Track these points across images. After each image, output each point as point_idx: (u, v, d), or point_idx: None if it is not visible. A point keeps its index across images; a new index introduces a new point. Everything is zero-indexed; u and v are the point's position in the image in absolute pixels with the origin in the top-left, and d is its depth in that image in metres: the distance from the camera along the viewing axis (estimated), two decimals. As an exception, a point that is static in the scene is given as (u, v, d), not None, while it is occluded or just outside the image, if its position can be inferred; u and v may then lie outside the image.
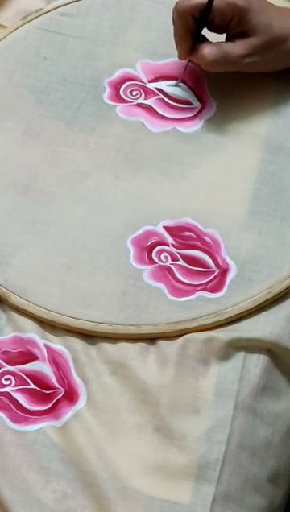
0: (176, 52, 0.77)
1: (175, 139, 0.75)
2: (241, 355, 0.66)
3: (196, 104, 0.77)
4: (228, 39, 0.74)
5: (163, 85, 0.78)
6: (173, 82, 0.78)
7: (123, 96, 0.78)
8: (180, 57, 0.76)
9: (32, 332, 0.67)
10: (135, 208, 0.72)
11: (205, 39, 0.74)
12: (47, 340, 0.67)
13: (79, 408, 0.64)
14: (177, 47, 0.75)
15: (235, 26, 0.72)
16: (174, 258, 0.69)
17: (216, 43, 0.73)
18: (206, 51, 0.72)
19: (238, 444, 0.63)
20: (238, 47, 0.72)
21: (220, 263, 0.69)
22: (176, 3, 0.72)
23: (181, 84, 0.78)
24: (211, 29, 0.74)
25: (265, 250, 0.69)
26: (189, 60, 0.76)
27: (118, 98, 0.78)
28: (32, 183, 0.74)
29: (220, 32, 0.74)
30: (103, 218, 0.72)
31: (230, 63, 0.73)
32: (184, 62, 0.77)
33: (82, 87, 0.78)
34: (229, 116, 0.76)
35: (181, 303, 0.67)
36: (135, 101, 0.77)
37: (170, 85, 0.78)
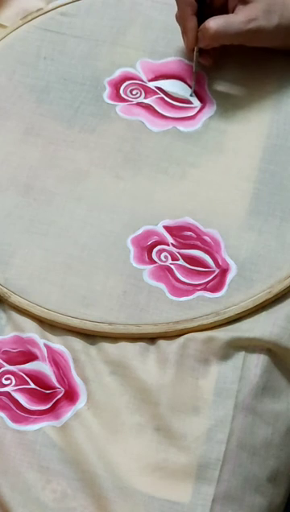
0: (176, 52, 0.78)
1: (175, 138, 0.75)
2: (241, 355, 0.66)
3: (197, 103, 0.77)
4: None
5: (165, 84, 0.78)
6: (176, 82, 0.78)
7: (123, 95, 0.78)
8: (187, 45, 0.76)
9: (32, 332, 0.67)
10: (135, 208, 0.72)
11: None
12: (47, 339, 0.67)
13: (79, 408, 0.64)
14: (184, 35, 0.75)
15: None
16: (174, 258, 0.69)
17: (217, 16, 0.73)
18: (209, 22, 0.72)
19: (238, 444, 0.63)
20: (240, 14, 0.73)
21: (220, 263, 0.69)
22: None
23: (182, 83, 0.78)
24: (213, 12, 0.74)
25: (265, 250, 0.69)
26: (198, 53, 0.75)
27: (118, 97, 0.78)
28: (32, 183, 0.74)
29: (222, 13, 0.74)
30: (103, 218, 0.72)
31: (234, 31, 0.72)
32: (194, 56, 0.76)
33: (82, 86, 0.78)
34: (230, 115, 0.76)
35: (181, 302, 0.67)
36: (135, 101, 0.77)
37: (169, 85, 0.78)
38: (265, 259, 0.69)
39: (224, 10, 0.75)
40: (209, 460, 0.62)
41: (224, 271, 0.69)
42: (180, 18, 0.75)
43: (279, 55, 0.77)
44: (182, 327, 0.66)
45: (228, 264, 0.69)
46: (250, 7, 0.72)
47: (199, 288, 0.68)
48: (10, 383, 0.65)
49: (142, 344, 0.66)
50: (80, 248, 0.70)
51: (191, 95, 0.77)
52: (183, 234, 0.70)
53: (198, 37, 0.74)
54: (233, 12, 0.74)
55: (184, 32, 0.75)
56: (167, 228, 0.71)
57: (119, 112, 0.77)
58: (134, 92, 0.78)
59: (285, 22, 0.73)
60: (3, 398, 0.65)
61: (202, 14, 0.74)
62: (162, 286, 0.68)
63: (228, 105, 0.77)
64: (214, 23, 0.72)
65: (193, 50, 0.76)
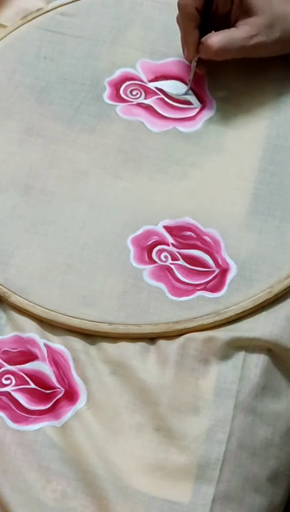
0: (176, 52, 0.78)
1: (175, 139, 0.75)
2: (241, 355, 0.66)
3: (197, 103, 0.77)
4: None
5: (165, 85, 0.78)
6: (176, 82, 0.78)
7: (123, 95, 0.78)
8: (188, 57, 0.76)
9: (32, 332, 0.67)
10: (135, 208, 0.72)
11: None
12: (47, 339, 0.67)
13: (79, 408, 0.64)
14: (184, 46, 0.75)
15: (237, 7, 0.73)
16: (174, 258, 0.69)
17: (219, 31, 0.73)
18: (211, 39, 0.72)
19: (237, 444, 0.63)
20: (242, 30, 0.72)
21: (220, 263, 0.69)
22: (178, 0, 0.73)
23: (182, 83, 0.78)
24: (215, 23, 0.74)
25: (265, 250, 0.69)
26: (196, 62, 0.76)
27: (118, 98, 0.78)
28: (32, 183, 0.74)
29: (224, 27, 0.74)
30: (103, 218, 0.72)
31: (237, 47, 0.72)
32: (192, 65, 0.76)
33: (82, 86, 0.78)
34: (230, 115, 0.76)
35: (181, 302, 0.67)
36: (135, 101, 0.77)
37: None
38: (265, 259, 0.69)
39: (227, 19, 0.74)
40: (209, 460, 0.62)
41: (224, 271, 0.69)
42: (182, 31, 0.75)
43: (279, 56, 0.77)
44: (182, 327, 0.66)
45: (228, 264, 0.69)
46: (253, 22, 0.72)
47: (199, 288, 0.68)
48: (10, 383, 0.65)
49: (142, 344, 0.66)
50: (80, 248, 0.70)
51: (186, 93, 0.77)
52: (183, 234, 0.70)
53: (199, 49, 0.74)
54: (235, 22, 0.74)
55: (185, 44, 0.75)
56: (167, 228, 0.71)
57: (119, 112, 0.77)
58: (134, 92, 0.78)
59: (285, 35, 0.74)
60: (3, 397, 0.65)
61: (205, 24, 0.74)
62: (162, 286, 0.68)
63: (228, 106, 0.77)
64: (217, 41, 0.72)
65: (192, 60, 0.76)
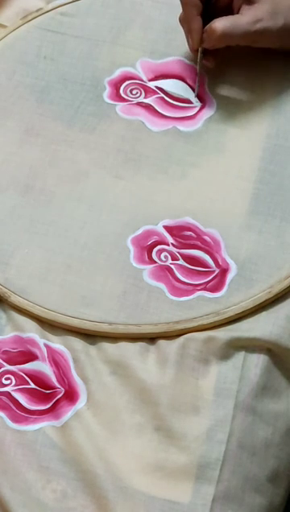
0: (176, 51, 0.78)
1: (175, 138, 0.75)
2: (241, 355, 0.66)
3: (197, 103, 0.77)
4: None
5: (165, 84, 0.78)
6: (176, 81, 0.78)
7: (123, 95, 0.78)
8: (193, 46, 0.76)
9: (32, 332, 0.67)
10: (135, 208, 0.72)
11: None
12: (47, 339, 0.67)
13: (79, 408, 0.64)
14: (188, 35, 0.75)
15: None
16: (174, 258, 0.69)
17: (223, 17, 0.73)
18: (215, 24, 0.72)
19: (237, 444, 0.63)
20: (246, 15, 0.72)
21: (220, 263, 0.69)
22: None
23: (182, 82, 0.78)
24: (218, 13, 0.74)
25: (265, 250, 0.69)
26: (202, 54, 0.75)
27: (118, 97, 0.78)
28: (32, 183, 0.74)
29: (226, 14, 0.74)
30: (103, 218, 0.72)
31: (240, 32, 0.72)
32: (198, 57, 0.75)
33: (82, 86, 0.78)
34: (230, 115, 0.76)
35: (181, 302, 0.67)
36: (135, 100, 0.77)
37: (169, 84, 0.77)
38: (265, 259, 0.69)
39: (229, 10, 0.74)
40: (209, 460, 0.62)
41: (224, 271, 0.69)
42: (185, 19, 0.74)
43: (280, 55, 0.77)
44: (182, 327, 0.66)
45: (228, 264, 0.69)
46: (256, 8, 0.72)
47: (199, 288, 0.68)
48: (10, 383, 0.65)
49: (142, 344, 0.66)
50: (80, 248, 0.70)
51: (195, 96, 0.77)
52: (183, 234, 0.70)
53: (203, 38, 0.74)
54: (238, 12, 0.74)
55: (189, 33, 0.75)
56: (167, 228, 0.71)
57: (119, 112, 0.77)
58: (134, 91, 0.78)
59: (289, 24, 0.73)
60: (3, 397, 0.65)
61: (207, 14, 0.74)
62: (162, 286, 0.68)
63: (228, 105, 0.77)
64: (220, 24, 0.72)
65: (197, 50, 0.76)
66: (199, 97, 0.77)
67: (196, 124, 0.76)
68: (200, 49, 0.75)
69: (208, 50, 0.76)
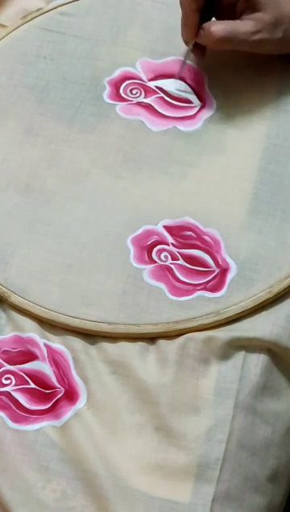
0: (175, 51, 0.77)
1: (175, 138, 0.75)
2: (241, 354, 0.66)
3: (197, 102, 0.77)
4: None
5: (164, 83, 0.78)
6: (176, 81, 0.78)
7: (123, 95, 0.78)
8: (186, 39, 0.75)
9: (32, 332, 0.67)
10: (135, 208, 0.72)
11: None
12: (47, 339, 0.67)
13: (79, 408, 0.64)
14: (183, 27, 0.74)
15: (244, 0, 0.72)
16: (174, 258, 0.69)
17: (223, 21, 0.73)
18: (214, 27, 0.72)
19: (237, 444, 0.63)
20: (247, 24, 0.72)
21: (220, 263, 0.69)
22: None
23: (181, 81, 0.78)
24: (219, 13, 0.74)
25: (265, 250, 0.69)
26: (192, 48, 0.75)
27: (117, 97, 0.78)
28: (32, 183, 0.74)
29: (228, 17, 0.73)
30: (103, 217, 0.72)
31: (239, 40, 0.72)
32: (188, 48, 0.75)
33: (82, 86, 0.78)
34: (230, 115, 0.76)
35: (181, 302, 0.67)
36: (135, 100, 0.77)
37: (169, 84, 0.77)
38: (265, 259, 0.69)
39: (232, 10, 0.74)
40: (209, 460, 0.62)
41: (224, 271, 0.69)
42: (183, 12, 0.73)
43: (280, 55, 0.77)
44: (182, 326, 0.66)
45: (228, 264, 0.69)
46: (258, 18, 0.72)
47: (199, 288, 0.68)
48: (10, 383, 0.66)
49: (142, 343, 0.66)
50: (80, 248, 0.70)
51: (180, 75, 0.77)
52: (183, 234, 0.70)
53: (200, 34, 0.74)
54: (240, 15, 0.73)
55: (184, 25, 0.74)
56: (167, 227, 0.71)
57: (119, 111, 0.77)
58: (134, 91, 0.78)
59: (288, 36, 0.73)
60: (3, 397, 0.65)
61: (208, 12, 0.73)
62: (162, 285, 0.68)
63: (228, 105, 0.77)
64: (220, 29, 0.72)
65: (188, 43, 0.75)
66: (199, 96, 0.77)
67: (196, 124, 0.76)
68: (191, 42, 0.75)
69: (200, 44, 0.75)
